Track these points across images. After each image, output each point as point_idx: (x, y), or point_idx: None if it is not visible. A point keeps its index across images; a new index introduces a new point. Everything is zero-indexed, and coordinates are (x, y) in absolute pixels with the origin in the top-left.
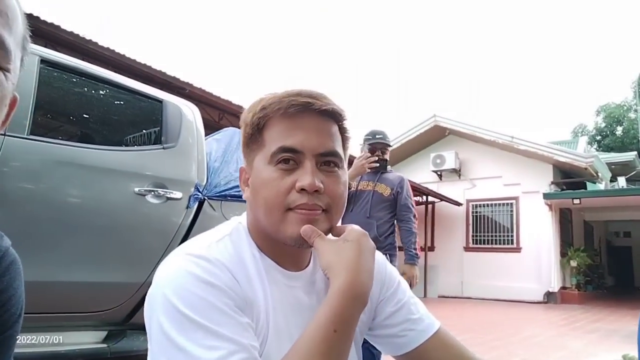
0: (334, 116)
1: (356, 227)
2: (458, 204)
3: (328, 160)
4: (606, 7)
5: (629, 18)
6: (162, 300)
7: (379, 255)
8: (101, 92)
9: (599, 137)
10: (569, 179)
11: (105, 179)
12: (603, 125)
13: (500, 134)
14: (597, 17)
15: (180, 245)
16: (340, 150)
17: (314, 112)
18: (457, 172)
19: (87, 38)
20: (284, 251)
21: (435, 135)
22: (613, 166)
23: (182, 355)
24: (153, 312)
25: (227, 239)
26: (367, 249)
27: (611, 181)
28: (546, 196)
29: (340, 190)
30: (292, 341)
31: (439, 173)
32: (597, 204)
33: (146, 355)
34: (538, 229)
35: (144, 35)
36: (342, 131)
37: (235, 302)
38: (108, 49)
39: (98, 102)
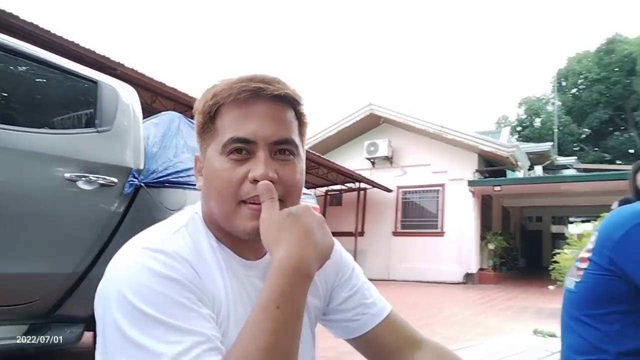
0: (289, 101)
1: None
2: (389, 190)
3: (283, 149)
4: (530, 5)
5: (551, 16)
6: (118, 297)
7: (334, 241)
8: (28, 70)
9: (519, 128)
10: (492, 167)
11: (32, 164)
12: (524, 116)
13: (430, 123)
14: (522, 13)
15: (133, 238)
16: (296, 137)
17: (266, 97)
18: (389, 159)
19: (8, 11)
20: (242, 240)
21: (370, 124)
22: (531, 155)
23: (143, 354)
24: (106, 310)
25: (183, 230)
26: (313, 222)
27: (529, 170)
28: (470, 183)
29: (296, 179)
30: None
31: (372, 160)
32: (515, 191)
33: (71, 348)
34: (461, 214)
35: (125, 33)
36: (299, 116)
37: (197, 295)
38: (31, 23)
39: (24, 80)
